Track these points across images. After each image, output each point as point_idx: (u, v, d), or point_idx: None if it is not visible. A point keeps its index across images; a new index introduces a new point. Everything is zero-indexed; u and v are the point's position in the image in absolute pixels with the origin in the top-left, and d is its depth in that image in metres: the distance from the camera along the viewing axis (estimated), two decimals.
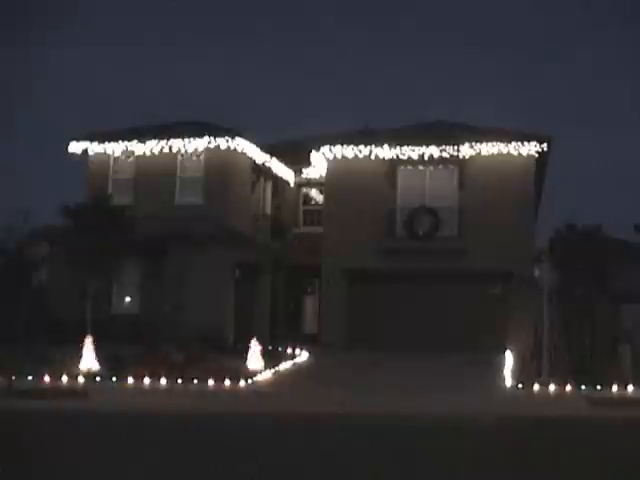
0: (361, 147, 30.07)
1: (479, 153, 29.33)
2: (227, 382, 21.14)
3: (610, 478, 11.37)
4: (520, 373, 22.39)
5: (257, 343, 23.48)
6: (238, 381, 21.28)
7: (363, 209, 29.91)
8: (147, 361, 22.12)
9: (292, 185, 34.50)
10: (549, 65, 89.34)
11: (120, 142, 30.58)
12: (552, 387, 20.73)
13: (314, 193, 34.69)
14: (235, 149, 30.02)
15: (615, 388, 20.55)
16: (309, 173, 33.58)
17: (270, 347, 26.63)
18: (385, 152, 29.84)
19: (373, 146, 29.96)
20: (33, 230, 26.99)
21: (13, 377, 19.86)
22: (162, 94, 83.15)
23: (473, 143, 29.30)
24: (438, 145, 29.45)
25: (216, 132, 30.05)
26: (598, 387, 20.51)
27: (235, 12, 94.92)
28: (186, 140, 29.95)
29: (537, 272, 25.97)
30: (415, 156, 29.67)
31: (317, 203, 34.28)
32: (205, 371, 21.54)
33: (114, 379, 21.17)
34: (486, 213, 28.97)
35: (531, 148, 29.07)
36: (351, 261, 29.58)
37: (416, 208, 29.64)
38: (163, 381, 21.09)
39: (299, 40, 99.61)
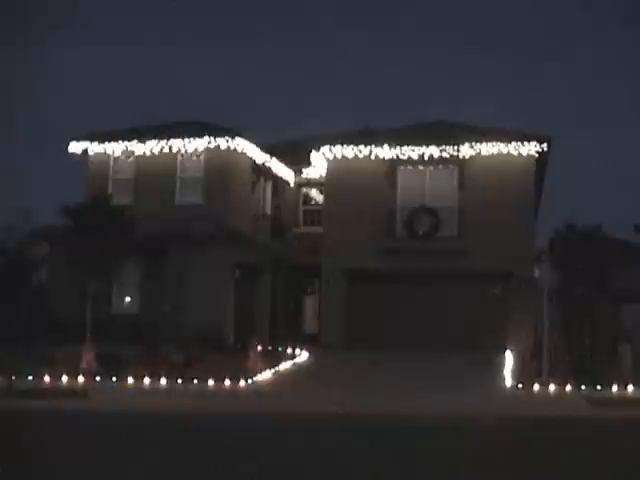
0: (361, 147, 30.06)
1: (479, 153, 29.31)
2: (227, 382, 21.15)
3: (610, 478, 11.37)
4: (520, 373, 22.39)
5: (257, 343, 23.49)
6: (238, 381, 21.28)
7: (363, 209, 29.90)
8: (147, 361, 22.15)
9: (292, 185, 34.48)
10: (549, 65, 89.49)
11: (120, 142, 30.57)
12: (552, 387, 20.74)
13: (314, 193, 34.67)
14: (235, 149, 30.00)
15: (615, 388, 20.56)
16: (309, 173, 33.56)
17: (270, 347, 26.66)
18: (385, 152, 29.83)
19: (373, 146, 29.94)
20: (33, 230, 26.97)
21: (13, 377, 19.87)
22: (162, 94, 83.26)
23: (473, 143, 29.28)
24: (438, 145, 29.43)
25: (216, 132, 30.03)
26: (598, 387, 20.51)
27: (235, 12, 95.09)
28: (186, 140, 29.94)
29: (537, 272, 25.92)
30: (415, 156, 29.66)
31: (317, 203, 34.25)
32: (205, 371, 21.55)
33: (114, 379, 21.18)
34: (486, 213, 28.96)
35: (531, 148, 29.05)
36: (351, 261, 29.57)
37: (416, 208, 29.63)
38: (163, 381, 21.10)
39: (299, 40, 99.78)
